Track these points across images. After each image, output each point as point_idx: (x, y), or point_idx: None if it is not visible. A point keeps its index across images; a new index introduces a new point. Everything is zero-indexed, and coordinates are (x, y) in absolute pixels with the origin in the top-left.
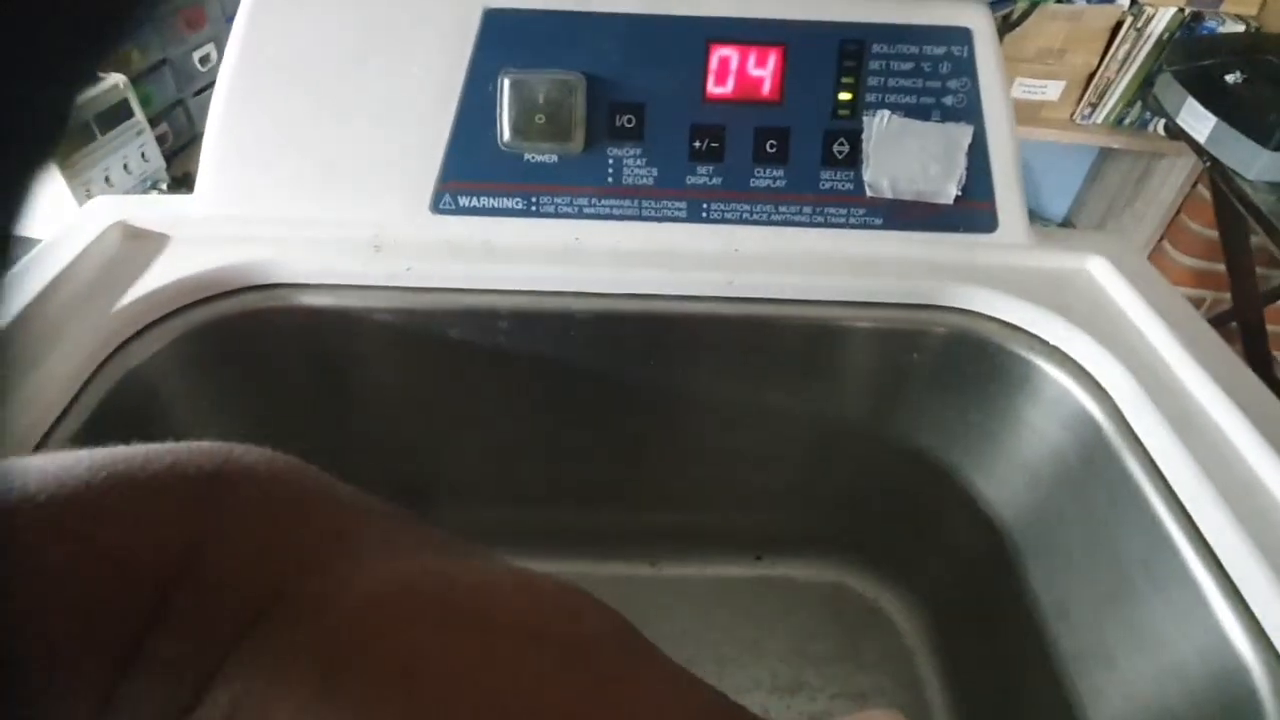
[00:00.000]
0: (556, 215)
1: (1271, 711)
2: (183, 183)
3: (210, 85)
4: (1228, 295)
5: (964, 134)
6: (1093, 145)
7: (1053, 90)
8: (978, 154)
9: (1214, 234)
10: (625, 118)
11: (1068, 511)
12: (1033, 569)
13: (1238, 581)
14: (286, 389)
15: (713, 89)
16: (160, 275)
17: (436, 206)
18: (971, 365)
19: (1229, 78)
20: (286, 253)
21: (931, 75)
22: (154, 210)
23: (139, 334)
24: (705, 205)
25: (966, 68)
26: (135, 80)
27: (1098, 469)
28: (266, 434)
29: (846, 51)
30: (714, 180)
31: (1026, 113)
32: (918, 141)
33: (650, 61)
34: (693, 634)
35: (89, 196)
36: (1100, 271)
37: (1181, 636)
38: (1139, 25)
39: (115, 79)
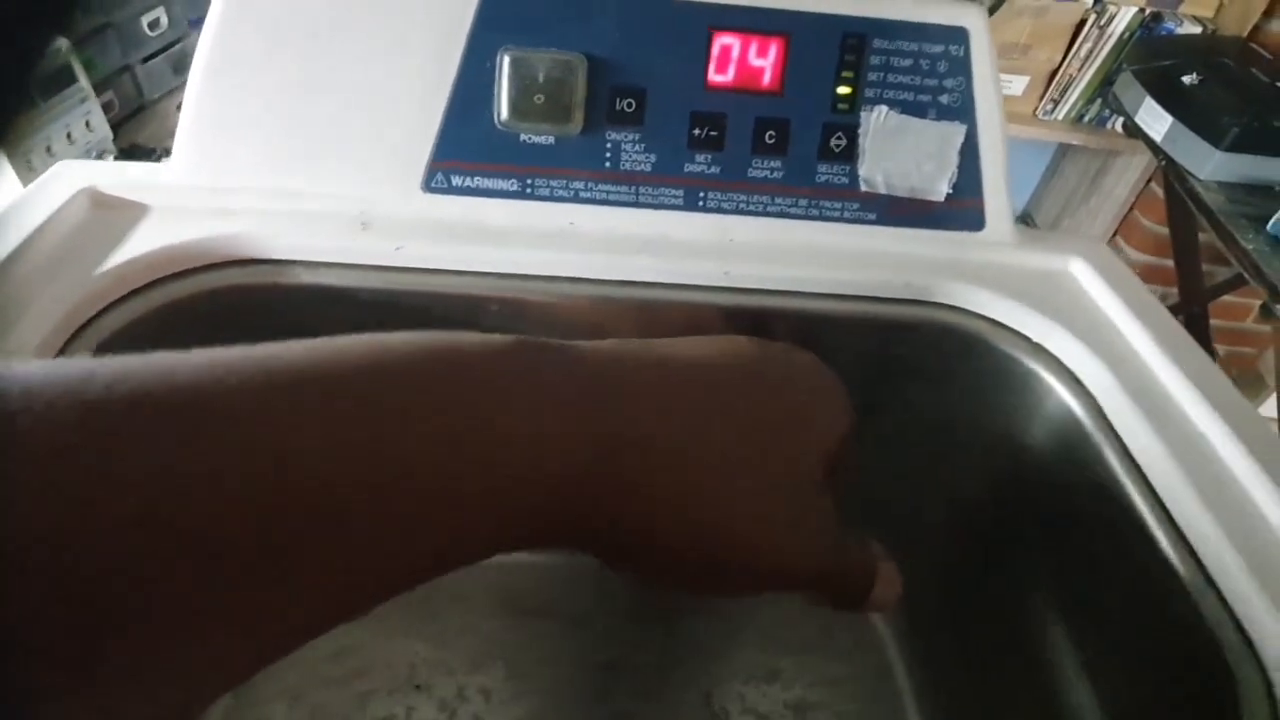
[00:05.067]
0: (552, 198)
1: (1247, 698)
2: (131, 154)
3: (160, 51)
4: (1175, 289)
5: (957, 133)
6: (1053, 141)
7: (1017, 85)
8: (968, 153)
9: (1164, 230)
10: (626, 101)
11: (1046, 504)
12: (1010, 561)
13: (1212, 572)
14: None
15: (714, 77)
16: (138, 245)
17: (429, 185)
18: (957, 360)
19: (1186, 79)
20: (271, 227)
21: (929, 73)
22: (125, 177)
23: (114, 305)
24: (702, 194)
25: (962, 67)
26: (77, 45)
27: (1077, 462)
28: None
29: (848, 45)
30: (712, 169)
31: None
32: (913, 138)
33: (653, 46)
34: (668, 618)
35: (30, 168)
36: (1081, 272)
37: (1158, 624)
38: (1101, 23)
39: (56, 42)
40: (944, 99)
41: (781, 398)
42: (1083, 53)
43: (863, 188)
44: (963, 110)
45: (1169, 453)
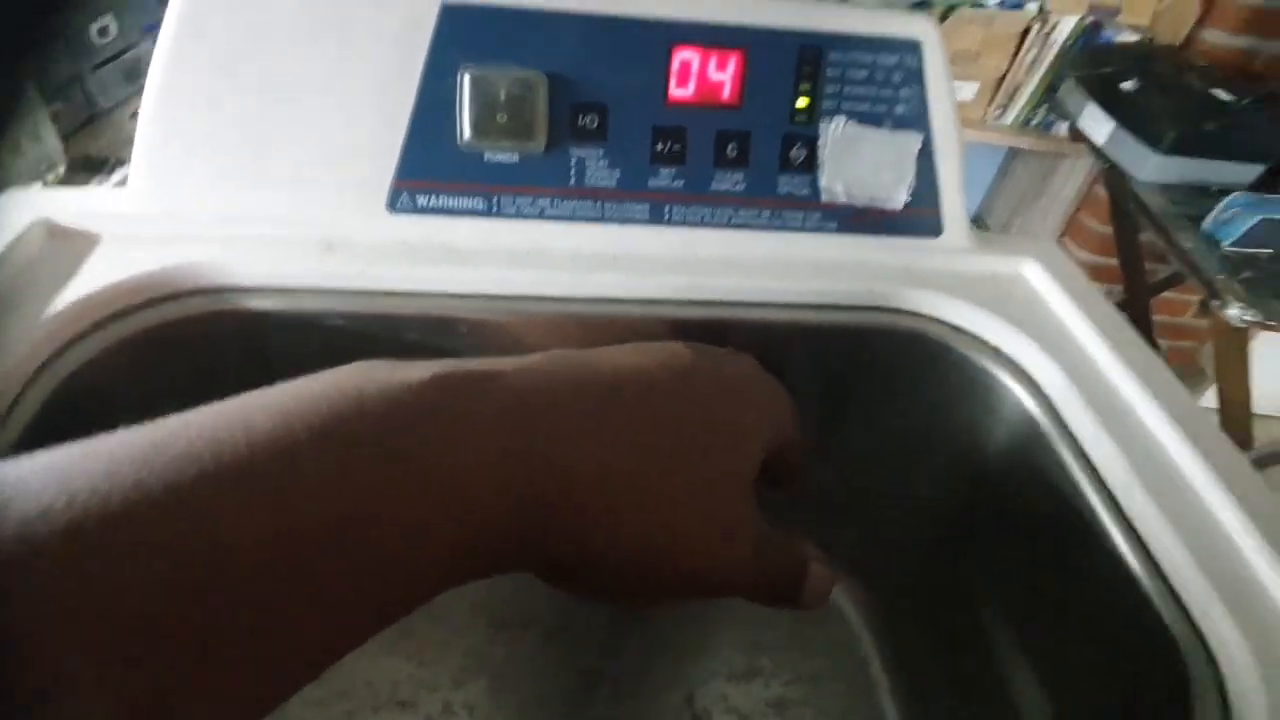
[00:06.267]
0: (518, 216)
1: (1200, 695)
2: (83, 166)
3: (110, 59)
4: (1119, 287)
5: (914, 142)
6: (1003, 144)
7: (968, 91)
8: (925, 161)
9: (1109, 230)
10: (588, 118)
11: (1006, 500)
12: (975, 555)
13: (1159, 560)
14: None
15: (675, 91)
16: (93, 278)
17: (393, 205)
18: (918, 364)
19: (1125, 85)
20: (232, 253)
21: (884, 84)
22: (79, 206)
23: (72, 342)
24: (667, 208)
25: (916, 78)
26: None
27: (1035, 461)
28: None
29: (805, 58)
30: (675, 183)
31: None
32: (871, 148)
33: (613, 62)
34: (648, 625)
35: None
36: (1034, 274)
37: (1110, 611)
38: (1045, 31)
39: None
40: (899, 109)
41: (711, 409)
42: (1028, 60)
43: (823, 198)
44: (918, 120)
45: (1120, 450)
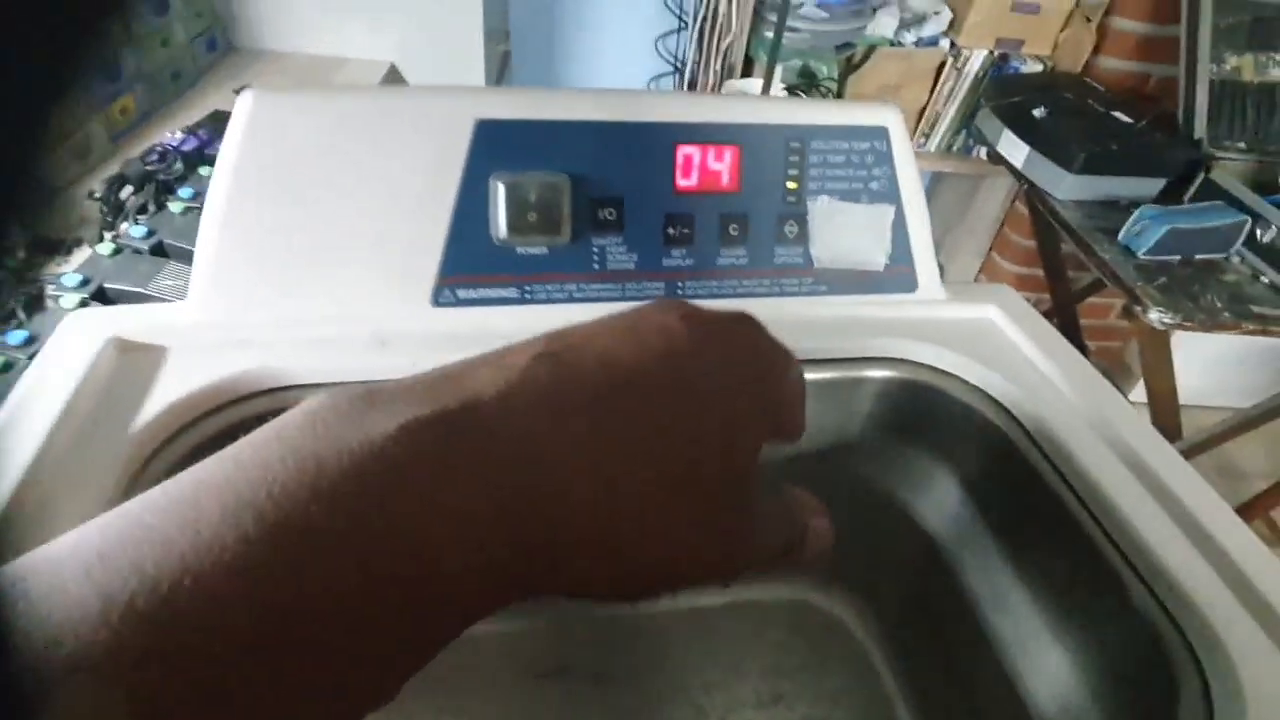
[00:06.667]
0: (549, 301)
1: (1186, 695)
2: (40, 247)
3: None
4: (1047, 295)
5: (887, 213)
6: (928, 170)
7: None
8: (898, 227)
9: (1032, 244)
10: (607, 211)
11: (995, 519)
12: (971, 572)
13: (1134, 560)
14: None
15: (680, 182)
16: (168, 389)
17: (437, 300)
18: (908, 404)
19: (1036, 112)
20: (293, 354)
21: (859, 165)
22: (143, 321)
23: (158, 450)
24: (680, 284)
25: (886, 158)
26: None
27: (1016, 481)
28: None
29: (791, 148)
30: (686, 261)
31: None
32: (852, 220)
33: (625, 161)
34: (677, 663)
35: None
36: (998, 318)
37: (1101, 613)
38: (959, 65)
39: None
40: (874, 185)
41: (713, 403)
42: (946, 90)
43: (814, 265)
44: (890, 193)
45: (1084, 456)
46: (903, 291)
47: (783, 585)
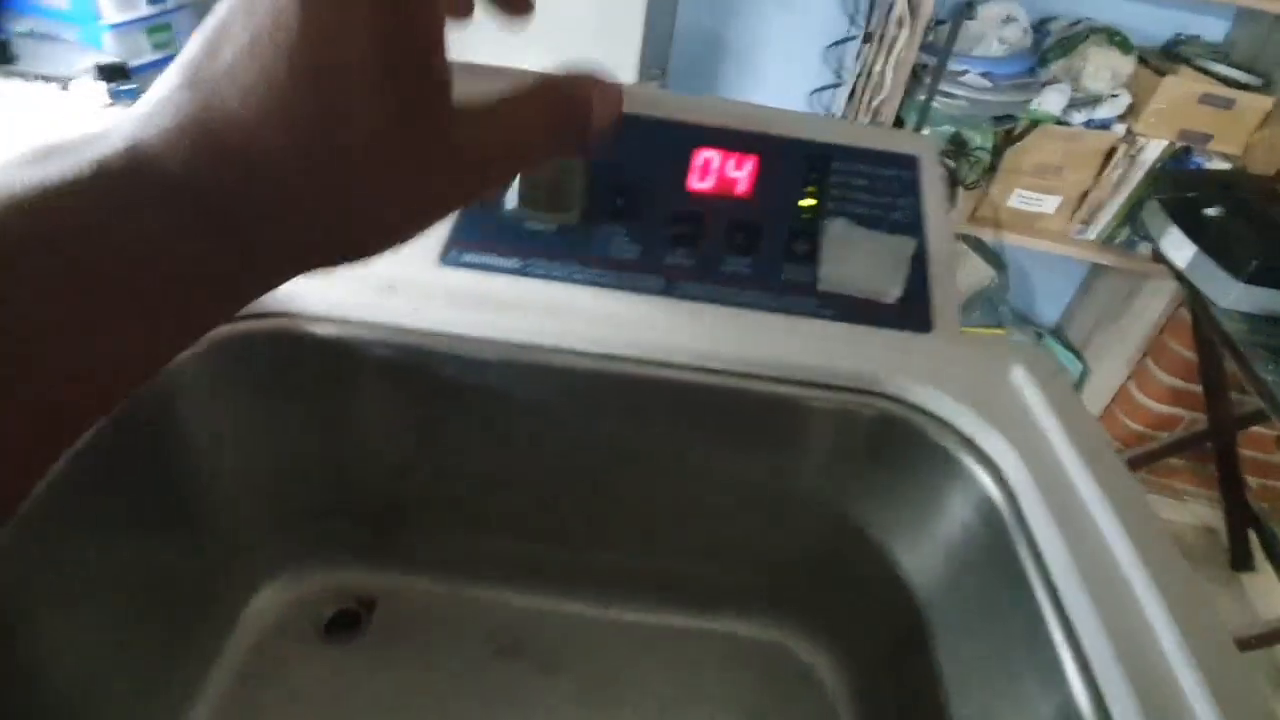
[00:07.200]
0: (547, 278)
1: None
2: None
3: None
4: (1203, 415)
5: (908, 245)
6: (1085, 259)
7: (1049, 204)
8: (919, 263)
9: (1193, 355)
10: (618, 199)
11: (971, 586)
12: (942, 637)
13: (1089, 656)
14: (297, 403)
15: (695, 183)
16: None
17: (444, 259)
18: (899, 448)
19: (1209, 211)
20: (309, 285)
21: (883, 192)
22: None
23: None
24: (679, 283)
25: (912, 189)
26: None
27: (995, 550)
28: (275, 440)
29: (813, 165)
30: (689, 262)
31: (1024, 222)
32: (868, 247)
33: (643, 154)
34: (638, 675)
35: None
36: (1018, 376)
37: (1044, 702)
38: (1132, 153)
39: None
40: (896, 215)
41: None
42: (1114, 178)
43: (821, 286)
44: (914, 225)
45: (1069, 551)
46: (915, 330)
47: (758, 619)
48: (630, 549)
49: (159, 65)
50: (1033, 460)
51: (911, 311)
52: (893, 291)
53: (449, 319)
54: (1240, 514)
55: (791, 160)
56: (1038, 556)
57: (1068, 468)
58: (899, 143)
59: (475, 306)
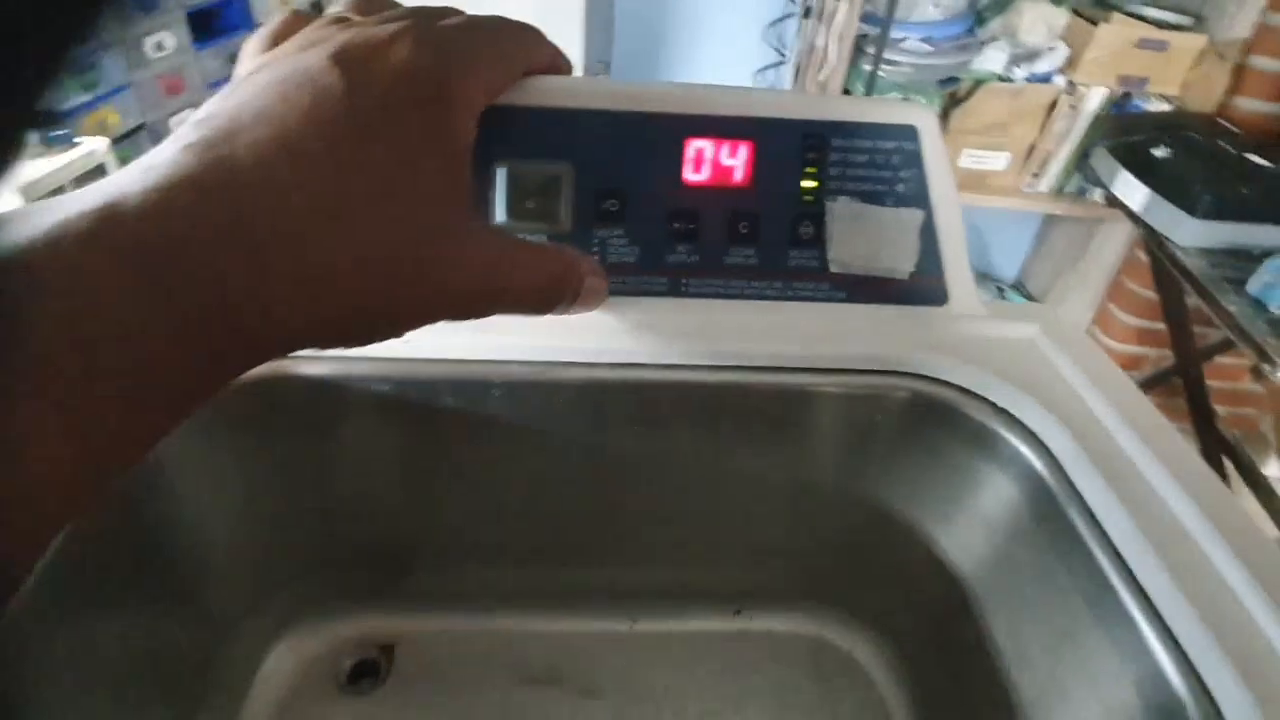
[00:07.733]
0: None
1: None
2: None
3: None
4: (1169, 352)
5: (915, 218)
6: (1038, 211)
7: (999, 160)
8: (928, 235)
9: (1153, 294)
10: (610, 202)
11: (1021, 561)
12: (992, 617)
13: (1168, 619)
14: (283, 452)
15: (689, 176)
16: None
17: None
18: (929, 426)
19: (1157, 152)
20: None
21: (885, 166)
22: None
23: None
24: (684, 281)
25: (915, 160)
26: (115, 143)
27: (1045, 521)
28: (272, 489)
29: (809, 144)
30: (691, 258)
31: (975, 181)
32: (874, 224)
33: (633, 152)
34: (675, 689)
35: None
36: (1041, 340)
37: (1123, 673)
38: (1074, 103)
39: (96, 143)
40: (900, 188)
41: (376, 135)
42: (1059, 129)
43: (831, 269)
44: (919, 197)
45: (1127, 512)
46: (931, 304)
47: (795, 615)
48: (658, 561)
49: (90, 106)
50: (1074, 424)
51: (926, 285)
52: (905, 267)
53: (446, 344)
54: (1214, 443)
55: (787, 142)
56: (1095, 523)
57: (1110, 428)
58: (895, 114)
59: (473, 328)
